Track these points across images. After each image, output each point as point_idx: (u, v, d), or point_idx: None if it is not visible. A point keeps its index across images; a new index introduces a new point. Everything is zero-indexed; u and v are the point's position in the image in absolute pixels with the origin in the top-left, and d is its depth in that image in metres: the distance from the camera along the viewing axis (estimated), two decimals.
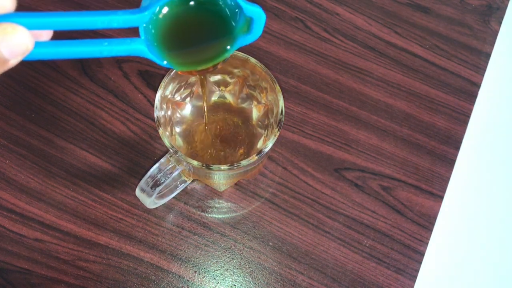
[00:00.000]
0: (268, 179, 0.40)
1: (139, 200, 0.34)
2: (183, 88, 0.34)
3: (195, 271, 0.37)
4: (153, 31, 0.21)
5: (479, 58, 0.47)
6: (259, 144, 0.34)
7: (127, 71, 0.43)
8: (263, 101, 0.34)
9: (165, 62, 0.22)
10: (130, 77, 0.43)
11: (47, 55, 0.19)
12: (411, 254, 0.38)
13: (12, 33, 0.16)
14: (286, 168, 0.40)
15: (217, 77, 0.35)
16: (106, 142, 0.40)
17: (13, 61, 0.17)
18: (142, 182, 0.32)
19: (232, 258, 0.37)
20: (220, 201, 0.39)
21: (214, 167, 0.30)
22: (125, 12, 0.20)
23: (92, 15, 0.19)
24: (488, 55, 0.47)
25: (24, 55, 0.17)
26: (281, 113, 0.31)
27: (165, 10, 0.21)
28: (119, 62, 0.43)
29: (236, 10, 0.22)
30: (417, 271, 0.38)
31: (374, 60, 0.46)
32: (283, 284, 0.37)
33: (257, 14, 0.21)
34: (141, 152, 0.40)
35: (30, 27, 0.17)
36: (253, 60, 0.33)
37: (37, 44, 0.18)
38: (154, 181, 0.31)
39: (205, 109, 0.33)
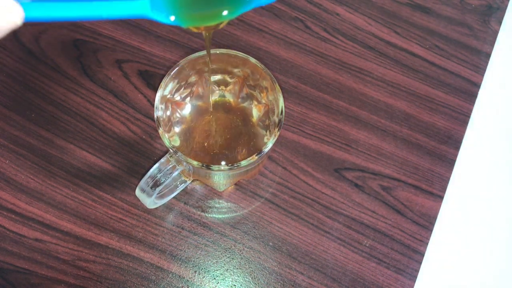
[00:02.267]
0: (268, 179, 0.40)
1: (139, 200, 0.34)
2: (183, 88, 0.34)
3: (195, 271, 0.37)
4: None
5: (479, 58, 0.47)
6: (259, 144, 0.34)
7: (127, 71, 0.43)
8: (263, 101, 0.34)
9: (172, 19, 0.19)
10: (130, 77, 0.43)
11: (38, 19, 0.17)
12: (411, 254, 0.38)
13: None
14: (286, 168, 0.40)
15: (217, 77, 0.35)
16: (106, 142, 0.40)
17: None
18: (142, 182, 0.32)
19: (232, 258, 0.37)
20: (220, 201, 0.39)
21: (214, 167, 0.30)
22: None
23: None
24: (488, 55, 0.47)
25: (10, 30, 0.16)
26: (281, 113, 0.31)
27: None
28: (119, 62, 0.43)
29: None
30: (417, 271, 0.38)
31: (374, 60, 0.46)
32: (283, 284, 0.37)
33: None
34: (141, 152, 0.40)
35: None
36: (253, 60, 0.33)
37: (26, 6, 0.16)
38: (154, 181, 0.31)
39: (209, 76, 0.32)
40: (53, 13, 0.17)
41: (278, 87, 0.32)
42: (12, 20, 0.15)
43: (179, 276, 0.37)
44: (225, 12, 0.20)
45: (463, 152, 0.43)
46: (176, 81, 0.34)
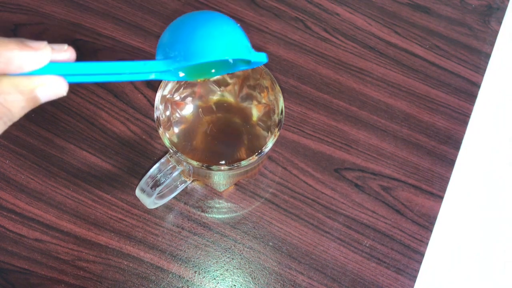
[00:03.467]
0: (268, 179, 0.40)
1: (139, 200, 0.34)
2: (183, 88, 0.34)
3: (195, 271, 0.37)
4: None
5: (479, 58, 0.47)
6: (259, 144, 0.34)
7: None
8: (263, 101, 0.34)
9: (181, 75, 0.25)
10: None
11: (78, 83, 0.21)
12: (411, 254, 0.38)
13: (51, 85, 0.19)
14: (286, 168, 0.40)
15: (217, 77, 0.35)
16: (106, 142, 0.40)
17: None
18: (142, 182, 0.32)
19: (232, 258, 0.37)
20: (220, 201, 0.39)
21: (214, 167, 0.30)
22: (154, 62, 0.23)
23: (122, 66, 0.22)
24: (488, 55, 0.47)
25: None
26: (281, 113, 0.31)
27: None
28: None
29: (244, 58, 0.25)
30: (417, 271, 0.38)
31: (374, 60, 0.46)
32: (283, 284, 0.37)
33: (261, 61, 0.25)
34: (141, 152, 0.40)
35: (67, 73, 0.20)
36: None
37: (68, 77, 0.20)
38: (154, 181, 0.31)
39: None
40: (88, 79, 0.21)
41: (278, 87, 0.32)
42: (59, 93, 0.19)
43: (179, 276, 0.37)
44: (217, 73, 0.26)
45: (463, 152, 0.43)
46: (176, 81, 0.33)
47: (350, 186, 0.40)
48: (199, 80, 0.29)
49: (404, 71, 0.45)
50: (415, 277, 0.38)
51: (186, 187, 0.39)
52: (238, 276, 0.37)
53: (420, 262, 0.38)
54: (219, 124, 0.36)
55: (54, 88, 0.19)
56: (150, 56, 0.44)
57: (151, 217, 0.38)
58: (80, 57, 0.46)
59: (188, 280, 0.36)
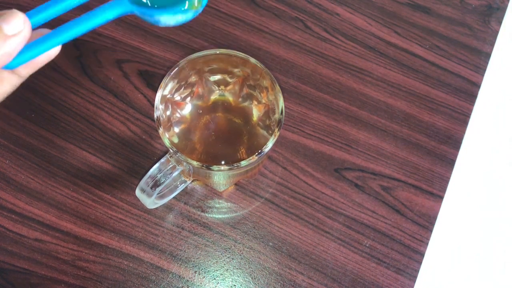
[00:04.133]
0: (268, 179, 0.40)
1: (139, 200, 0.34)
2: (183, 88, 0.34)
3: (195, 271, 0.37)
4: None
5: (479, 58, 0.47)
6: (259, 144, 0.34)
7: (127, 71, 0.43)
8: (263, 101, 0.34)
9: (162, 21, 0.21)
10: (130, 77, 0.43)
11: (47, 46, 0.20)
12: (411, 254, 0.38)
13: (10, 14, 0.18)
14: (286, 168, 0.40)
15: (217, 77, 0.35)
16: (106, 142, 0.40)
17: (12, 42, 0.18)
18: (142, 182, 0.32)
19: (232, 258, 0.37)
20: (220, 201, 0.39)
21: (214, 167, 0.30)
22: None
23: None
24: (488, 55, 0.47)
25: (21, 35, 0.19)
26: (281, 113, 0.31)
27: None
28: (119, 62, 0.43)
29: None
30: (417, 271, 0.38)
31: (374, 60, 0.46)
32: (283, 284, 0.37)
33: None
34: (141, 152, 0.40)
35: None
36: (253, 60, 0.33)
37: (36, 41, 0.19)
38: (154, 181, 0.31)
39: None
40: (56, 39, 0.20)
41: (278, 87, 0.32)
42: (21, 19, 0.18)
43: (179, 276, 0.37)
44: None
45: (463, 152, 0.43)
46: (176, 81, 0.33)
47: (350, 186, 0.40)
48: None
49: (404, 71, 0.45)
50: (415, 277, 0.38)
51: (186, 187, 0.39)
52: (238, 276, 0.37)
53: (420, 262, 0.38)
54: (219, 124, 0.36)
55: (15, 19, 0.18)
56: (150, 56, 0.44)
57: (151, 217, 0.38)
58: (80, 57, 0.46)
59: (188, 280, 0.36)
